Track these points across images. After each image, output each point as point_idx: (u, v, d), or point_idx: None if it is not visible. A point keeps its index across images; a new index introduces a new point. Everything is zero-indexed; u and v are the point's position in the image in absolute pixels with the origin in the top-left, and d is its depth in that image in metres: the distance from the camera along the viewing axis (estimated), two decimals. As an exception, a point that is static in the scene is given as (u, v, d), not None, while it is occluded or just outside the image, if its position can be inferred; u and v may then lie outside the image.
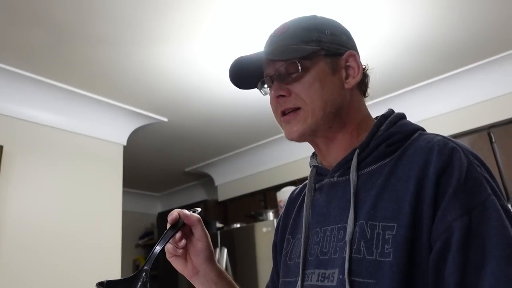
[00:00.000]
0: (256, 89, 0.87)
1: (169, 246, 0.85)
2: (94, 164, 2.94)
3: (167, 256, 0.87)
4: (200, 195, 4.96)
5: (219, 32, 2.30)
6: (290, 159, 3.85)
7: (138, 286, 0.76)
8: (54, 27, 2.14)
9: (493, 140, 2.92)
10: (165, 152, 3.96)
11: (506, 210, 0.63)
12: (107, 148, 3.06)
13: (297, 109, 0.77)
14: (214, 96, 2.98)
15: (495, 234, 0.60)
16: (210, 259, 0.88)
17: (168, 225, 0.84)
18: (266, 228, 3.15)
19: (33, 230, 2.50)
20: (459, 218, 0.61)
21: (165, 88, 2.83)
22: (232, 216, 4.21)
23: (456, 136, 3.06)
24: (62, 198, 2.69)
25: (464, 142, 3.03)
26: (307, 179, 0.88)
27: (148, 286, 0.77)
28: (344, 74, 0.79)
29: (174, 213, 0.85)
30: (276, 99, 0.78)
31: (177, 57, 2.50)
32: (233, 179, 4.36)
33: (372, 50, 2.58)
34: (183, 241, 0.84)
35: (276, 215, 3.47)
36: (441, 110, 3.17)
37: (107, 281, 0.74)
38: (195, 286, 0.91)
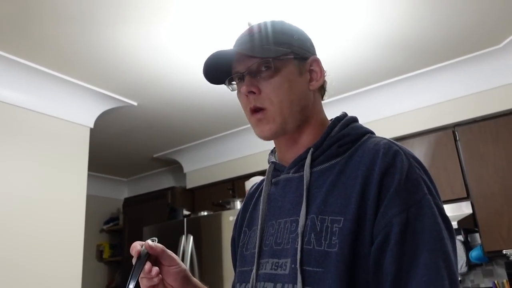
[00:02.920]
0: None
1: (144, 281, 0.85)
2: (59, 146, 2.86)
3: None
4: (168, 181, 4.91)
5: (190, 18, 2.27)
6: (259, 149, 3.85)
7: None
8: (21, 1, 2.05)
9: (458, 138, 3.00)
10: (134, 137, 3.90)
11: (440, 208, 0.71)
12: (73, 130, 2.98)
13: (264, 109, 0.81)
14: (185, 83, 2.95)
15: (428, 229, 0.67)
16: (188, 277, 0.90)
17: (134, 259, 0.83)
18: (233, 216, 3.15)
19: (-8, 211, 2.42)
20: (398, 214, 0.68)
21: (136, 71, 2.77)
22: (200, 204, 4.20)
23: (422, 133, 3.14)
24: (24, 179, 2.61)
25: (429, 139, 3.13)
26: None
27: None
28: (308, 77, 0.86)
29: (137, 246, 0.84)
30: (246, 96, 0.83)
31: (149, 40, 2.45)
32: (202, 167, 4.33)
33: (342, 45, 2.60)
34: (155, 270, 0.83)
35: (243, 204, 3.47)
36: (407, 107, 3.23)
37: None
38: None
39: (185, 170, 4.47)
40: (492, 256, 2.93)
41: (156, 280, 0.84)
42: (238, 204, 3.48)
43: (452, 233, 0.71)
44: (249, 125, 3.37)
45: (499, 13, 2.41)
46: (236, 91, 0.88)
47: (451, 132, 3.05)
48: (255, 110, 0.82)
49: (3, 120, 2.59)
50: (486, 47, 2.79)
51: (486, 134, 2.90)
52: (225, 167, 4.16)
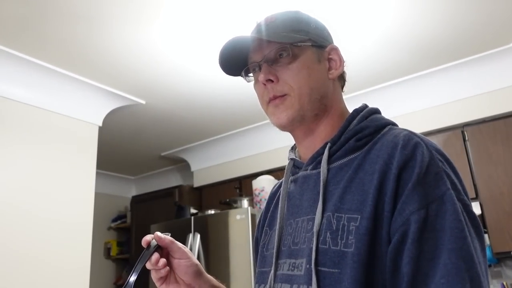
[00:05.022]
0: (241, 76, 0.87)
1: (153, 273, 0.85)
2: (68, 144, 2.88)
3: (157, 286, 0.87)
4: (175, 180, 4.93)
5: (197, 17, 2.27)
6: (267, 148, 3.85)
7: None
8: (32, 0, 2.06)
9: (466, 138, 2.98)
10: (142, 135, 3.91)
11: (465, 204, 0.66)
12: (82, 128, 3.00)
13: (283, 95, 0.78)
14: (193, 81, 2.95)
15: (449, 227, 0.62)
16: (200, 272, 0.88)
17: (144, 249, 0.84)
18: (240, 215, 3.15)
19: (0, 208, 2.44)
20: (416, 211, 0.63)
21: (144, 70, 2.78)
22: (207, 202, 4.21)
23: (431, 133, 3.12)
24: (33, 177, 2.63)
25: (438, 139, 3.11)
26: (283, 169, 0.90)
27: None
28: (327, 65, 0.82)
29: (147, 237, 0.84)
30: (263, 85, 0.80)
31: (158, 39, 2.45)
32: (209, 166, 4.34)
33: (351, 43, 2.59)
34: (162, 261, 0.83)
35: (251, 203, 3.48)
36: (417, 106, 3.21)
37: None
38: None
39: (193, 168, 4.48)
40: (500, 257, 2.91)
41: (163, 272, 0.84)
42: (245, 203, 3.48)
43: (479, 231, 0.65)
44: (257, 124, 3.35)
45: (508, 13, 2.38)
46: (252, 83, 0.86)
47: (460, 132, 3.02)
48: (273, 98, 0.79)
49: (13, 118, 2.61)
50: (495, 46, 2.77)
51: (495, 135, 2.88)
52: (233, 166, 4.16)
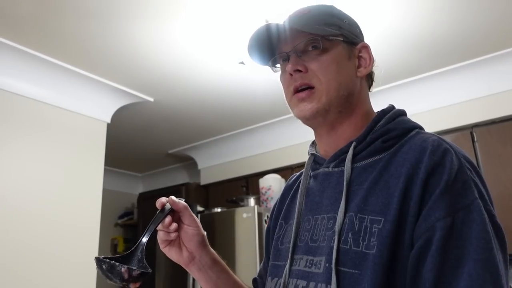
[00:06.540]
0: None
1: (161, 234, 0.87)
2: (77, 140, 2.90)
3: (161, 247, 0.89)
4: (182, 177, 4.94)
5: (205, 14, 2.27)
6: (274, 147, 3.85)
7: (134, 262, 0.78)
8: (42, -3, 2.08)
9: (475, 139, 2.96)
10: (149, 133, 3.93)
11: (492, 215, 0.65)
12: (91, 124, 3.02)
13: (311, 88, 0.78)
14: (202, 80, 2.96)
15: (476, 237, 0.61)
16: (203, 244, 0.90)
17: (158, 211, 0.86)
18: (247, 214, 3.16)
19: (7, 204, 2.46)
20: (442, 218, 0.62)
21: (152, 68, 2.79)
22: (214, 200, 4.22)
23: (439, 133, 3.07)
24: (41, 172, 2.65)
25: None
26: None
27: (144, 261, 0.79)
28: (356, 63, 0.82)
29: (162, 199, 0.86)
30: (291, 75, 0.79)
31: (165, 37, 2.46)
32: (216, 164, 4.35)
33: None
34: (174, 225, 0.85)
35: (257, 201, 3.48)
36: (424, 107, 3.19)
37: (103, 257, 0.76)
38: (192, 273, 0.92)
39: (200, 166, 4.49)
40: (508, 260, 2.89)
41: (173, 235, 0.86)
42: (252, 202, 3.49)
43: (504, 243, 0.65)
44: (264, 123, 3.34)
45: (520, 13, 2.36)
46: (278, 72, 0.85)
47: (469, 133, 3.00)
48: (300, 90, 0.78)
49: (21, 114, 2.63)
50: (505, 47, 2.74)
51: (504, 136, 2.85)
52: (239, 164, 4.17)
